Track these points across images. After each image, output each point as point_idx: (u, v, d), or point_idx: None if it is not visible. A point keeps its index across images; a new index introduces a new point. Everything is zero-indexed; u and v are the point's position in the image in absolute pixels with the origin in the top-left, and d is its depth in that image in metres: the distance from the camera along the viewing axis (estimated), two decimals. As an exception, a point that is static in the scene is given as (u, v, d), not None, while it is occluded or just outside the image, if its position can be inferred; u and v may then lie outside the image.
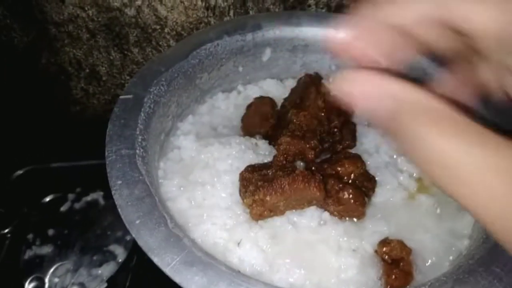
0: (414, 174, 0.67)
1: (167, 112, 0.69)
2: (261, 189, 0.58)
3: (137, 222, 0.48)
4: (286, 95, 0.78)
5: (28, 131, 1.00)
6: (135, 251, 0.82)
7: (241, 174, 0.62)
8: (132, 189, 0.52)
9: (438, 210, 0.63)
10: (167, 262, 0.45)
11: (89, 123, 1.10)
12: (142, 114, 0.62)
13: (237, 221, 0.59)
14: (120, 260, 0.80)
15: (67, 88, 1.04)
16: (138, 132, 0.59)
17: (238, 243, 0.56)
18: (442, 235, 0.60)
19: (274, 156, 0.64)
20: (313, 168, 0.63)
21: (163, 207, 0.52)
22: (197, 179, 0.64)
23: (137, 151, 0.57)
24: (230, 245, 0.56)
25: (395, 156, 0.70)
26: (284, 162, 0.63)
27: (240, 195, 0.62)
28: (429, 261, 0.58)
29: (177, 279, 0.44)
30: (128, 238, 0.84)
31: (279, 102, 0.79)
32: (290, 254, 0.56)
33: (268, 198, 0.58)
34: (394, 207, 0.63)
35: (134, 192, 0.52)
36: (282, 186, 0.57)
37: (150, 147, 0.61)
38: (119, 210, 0.50)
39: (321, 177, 0.59)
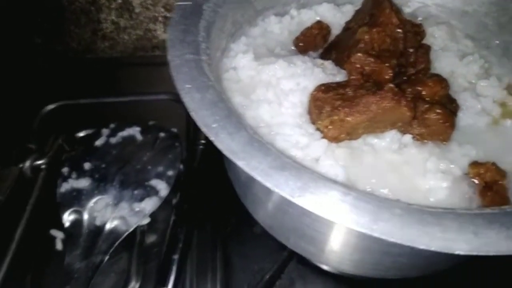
0: (497, 99, 0.61)
1: (223, 27, 0.62)
2: (341, 109, 0.52)
3: (215, 125, 0.42)
4: (343, 22, 0.71)
5: (56, 65, 0.94)
6: (178, 187, 0.77)
7: (313, 94, 0.56)
8: (203, 93, 0.46)
9: (528, 135, 0.57)
10: (254, 166, 0.39)
11: (118, 61, 1.03)
12: (203, 22, 0.55)
13: (311, 139, 0.52)
14: (162, 195, 0.75)
15: (96, 21, 0.96)
16: (201, 39, 0.52)
17: (317, 160, 0.50)
18: (536, 160, 0.54)
19: (349, 75, 0.58)
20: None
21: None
22: (260, 98, 0.57)
23: (203, 57, 0.50)
24: (307, 163, 0.50)
25: (473, 81, 0.63)
26: (362, 81, 0.56)
27: (312, 117, 0.56)
28: (526, 185, 0.52)
29: (269, 183, 0.38)
30: (170, 173, 0.78)
31: (336, 30, 0.72)
32: (373, 175, 0.51)
33: (350, 118, 0.52)
34: (479, 131, 0.58)
35: (206, 96, 0.45)
36: (368, 105, 0.51)
37: (213, 58, 0.54)
38: (192, 113, 0.43)
39: (412, 96, 0.52)
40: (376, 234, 0.36)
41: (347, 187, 0.39)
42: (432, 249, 0.36)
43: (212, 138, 0.41)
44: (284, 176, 0.39)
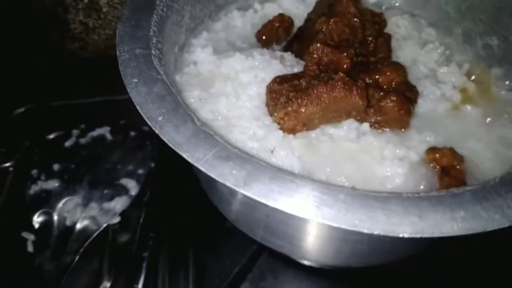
0: (457, 85, 0.61)
1: (180, 22, 0.62)
2: (295, 100, 0.52)
3: (160, 118, 0.42)
4: (306, 14, 0.71)
5: (26, 69, 0.93)
6: (148, 185, 0.76)
7: (269, 86, 0.55)
8: (150, 87, 0.45)
9: (488, 120, 0.57)
10: (199, 157, 0.39)
11: (90, 61, 1.02)
12: (155, 16, 0.55)
13: (267, 131, 0.52)
14: (133, 194, 0.74)
15: (65, 22, 0.95)
16: (151, 34, 0.52)
17: (272, 151, 0.50)
18: (495, 145, 0.54)
19: (305, 66, 0.58)
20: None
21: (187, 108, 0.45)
22: (219, 92, 0.57)
23: (152, 51, 0.50)
24: (262, 154, 0.50)
25: (434, 68, 0.64)
26: (318, 71, 0.56)
27: (269, 109, 0.55)
28: (483, 170, 0.52)
29: (213, 173, 0.38)
30: (140, 171, 0.78)
31: (300, 22, 0.72)
32: (329, 164, 0.51)
33: (303, 109, 0.51)
34: (439, 117, 0.58)
35: (153, 90, 0.45)
36: (320, 95, 0.51)
37: (166, 52, 0.54)
38: (137, 107, 0.43)
39: (363, 83, 0.52)
40: (319, 219, 0.36)
41: (293, 174, 0.39)
42: (376, 233, 0.36)
43: (157, 131, 0.41)
44: (229, 166, 0.39)
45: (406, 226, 0.36)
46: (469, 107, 0.59)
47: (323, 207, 0.37)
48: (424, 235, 0.36)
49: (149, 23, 0.53)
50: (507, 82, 0.63)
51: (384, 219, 0.37)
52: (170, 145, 0.40)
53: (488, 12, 0.65)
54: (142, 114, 0.42)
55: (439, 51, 0.65)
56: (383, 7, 0.76)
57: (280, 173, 0.39)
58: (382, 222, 0.36)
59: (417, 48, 0.66)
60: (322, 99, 0.50)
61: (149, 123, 0.41)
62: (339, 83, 0.50)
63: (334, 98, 0.50)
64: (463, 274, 0.66)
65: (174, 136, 0.41)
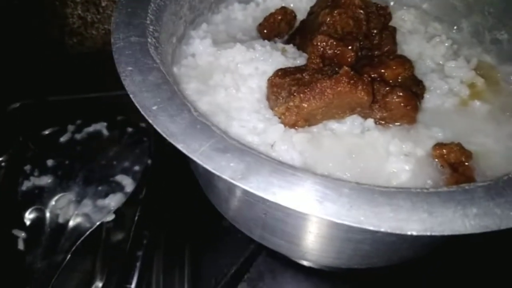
0: (465, 79, 0.58)
1: (179, 12, 0.60)
2: (297, 95, 0.49)
3: (154, 108, 0.40)
4: (309, 7, 0.69)
5: (22, 63, 0.91)
6: (144, 182, 0.74)
7: (270, 80, 0.53)
8: (145, 76, 0.43)
9: (497, 115, 0.55)
10: (194, 148, 0.37)
11: (88, 56, 1.00)
12: (152, 5, 0.53)
13: (268, 124, 0.50)
14: (128, 191, 0.72)
15: (63, 17, 0.93)
16: (148, 22, 0.50)
17: (272, 145, 0.48)
18: (505, 140, 0.52)
19: (308, 59, 0.55)
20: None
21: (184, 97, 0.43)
22: (217, 84, 0.55)
23: (149, 39, 0.48)
24: (262, 148, 0.48)
25: (441, 62, 0.61)
26: (321, 65, 0.54)
27: (270, 103, 0.53)
28: (493, 166, 0.50)
29: (209, 165, 0.35)
30: (136, 168, 0.75)
31: (302, 15, 0.69)
32: (331, 159, 0.48)
33: (305, 104, 0.49)
34: (447, 113, 0.55)
35: (148, 79, 0.43)
36: (323, 89, 0.48)
37: (163, 42, 0.51)
38: (131, 96, 0.41)
39: (369, 78, 0.50)
40: (321, 215, 0.34)
41: (294, 168, 0.37)
42: (382, 230, 0.34)
43: (150, 120, 0.39)
44: (227, 158, 0.37)
45: (414, 223, 0.34)
46: (477, 102, 0.57)
47: (326, 202, 0.35)
48: (434, 233, 0.34)
49: (146, 11, 0.51)
50: (515, 78, 0.61)
51: (391, 215, 0.34)
52: (164, 135, 0.37)
53: (497, 6, 0.63)
54: (136, 103, 0.40)
55: (446, 45, 0.63)
56: (390, 1, 0.74)
57: (281, 166, 0.36)
58: (389, 218, 0.34)
59: (423, 42, 0.63)
60: (325, 94, 0.48)
61: (142, 112, 0.39)
62: (344, 77, 0.48)
63: (338, 93, 0.48)
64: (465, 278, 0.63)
65: (168, 126, 0.38)
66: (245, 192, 0.46)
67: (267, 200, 0.41)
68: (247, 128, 0.50)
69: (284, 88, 0.51)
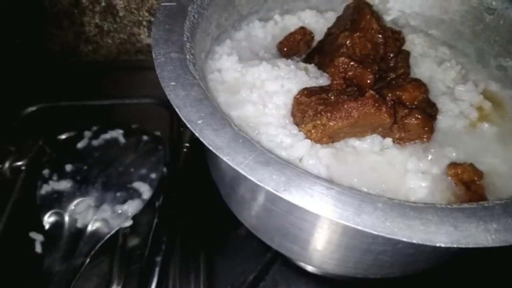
0: (474, 103, 0.63)
1: (208, 29, 0.63)
2: (324, 114, 0.53)
3: (200, 122, 0.43)
4: (326, 28, 0.73)
5: (39, 68, 0.93)
6: (161, 189, 0.76)
7: (297, 98, 0.56)
8: (188, 91, 0.46)
9: (503, 137, 0.59)
10: (239, 161, 0.39)
11: (102, 64, 1.02)
12: (188, 22, 0.56)
13: (295, 140, 0.53)
14: (145, 197, 0.74)
15: (79, 24, 0.96)
16: (185, 39, 0.53)
17: (300, 159, 0.51)
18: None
19: (331, 80, 0.59)
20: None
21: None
22: (245, 99, 0.58)
23: (187, 56, 0.51)
24: (290, 162, 0.50)
25: (451, 86, 0.65)
26: (344, 86, 0.58)
27: (295, 120, 0.56)
28: (501, 185, 0.53)
29: (254, 177, 0.38)
30: (153, 176, 0.78)
31: (319, 36, 0.73)
32: (355, 174, 0.52)
33: (332, 123, 0.52)
34: (458, 133, 0.59)
35: (191, 94, 0.46)
36: (350, 110, 0.52)
37: (198, 57, 0.54)
38: (177, 110, 0.43)
39: (392, 101, 0.54)
40: (359, 227, 0.37)
41: (330, 182, 0.40)
42: (414, 241, 0.37)
43: (197, 133, 0.41)
44: (269, 171, 0.39)
45: (442, 235, 0.37)
46: (486, 125, 0.61)
47: (362, 214, 0.38)
48: (460, 245, 0.37)
49: (182, 28, 0.54)
50: (520, 103, 0.66)
51: (421, 228, 0.37)
52: (211, 148, 0.40)
53: (503, 35, 0.68)
54: (182, 117, 0.43)
55: (455, 69, 0.67)
56: (399, 25, 0.78)
57: (319, 180, 0.39)
58: (420, 231, 0.37)
59: (434, 66, 0.67)
60: (352, 114, 0.52)
61: (189, 126, 0.42)
62: (370, 100, 0.51)
63: (364, 115, 0.52)
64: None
65: (214, 140, 0.41)
66: (275, 202, 0.49)
67: (298, 211, 0.44)
68: (275, 142, 0.53)
69: (311, 107, 0.54)
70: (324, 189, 0.39)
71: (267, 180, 0.39)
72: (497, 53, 0.69)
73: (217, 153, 0.40)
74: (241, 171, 0.39)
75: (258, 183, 0.38)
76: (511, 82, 0.67)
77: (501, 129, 0.60)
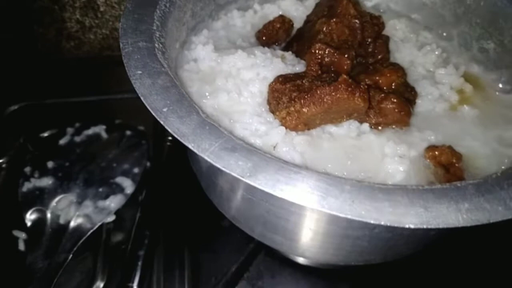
0: (454, 86, 0.62)
1: (182, 19, 0.62)
2: (297, 100, 0.52)
3: (165, 109, 0.42)
4: (306, 16, 0.72)
5: (21, 66, 0.92)
6: (144, 184, 0.76)
7: (271, 85, 0.56)
8: (155, 79, 0.45)
9: (483, 120, 0.58)
10: (205, 148, 0.39)
11: (85, 60, 1.01)
12: (158, 11, 0.55)
13: (270, 127, 0.52)
14: (128, 192, 0.73)
15: (61, 20, 0.95)
16: (155, 28, 0.52)
17: (274, 147, 0.50)
18: (492, 143, 0.55)
19: (307, 66, 0.58)
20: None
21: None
22: (220, 88, 0.57)
23: (156, 45, 0.50)
24: (265, 149, 0.50)
25: (431, 69, 0.65)
26: (319, 72, 0.57)
27: (271, 108, 0.56)
28: (481, 167, 0.53)
29: (219, 163, 0.37)
30: (136, 170, 0.77)
31: (298, 24, 0.72)
32: (330, 160, 0.51)
33: (305, 110, 0.52)
34: (437, 117, 0.58)
35: (158, 82, 0.45)
36: (322, 96, 0.51)
37: (168, 47, 0.54)
38: (142, 98, 0.43)
39: (365, 85, 0.53)
40: (326, 210, 0.36)
41: (298, 166, 0.39)
42: (382, 223, 0.36)
43: (161, 121, 0.41)
44: (235, 157, 0.39)
45: (412, 216, 0.37)
46: (466, 108, 0.60)
47: (329, 197, 0.37)
48: (430, 226, 0.36)
49: (152, 18, 0.53)
50: (500, 85, 0.65)
51: (390, 210, 0.37)
52: (176, 135, 0.39)
53: (484, 16, 0.67)
54: (147, 105, 0.42)
55: (436, 53, 0.66)
56: (381, 11, 0.77)
57: (286, 165, 0.39)
58: (388, 213, 0.37)
59: (414, 50, 0.67)
60: (325, 100, 0.51)
61: (153, 113, 0.41)
62: (342, 85, 0.51)
63: (337, 100, 0.51)
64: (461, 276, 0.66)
65: (179, 127, 0.40)
66: (250, 191, 0.48)
67: (271, 198, 0.44)
68: (250, 130, 0.52)
69: (285, 94, 0.53)
70: (291, 174, 0.38)
71: (232, 166, 0.38)
72: (479, 35, 0.68)
73: (182, 141, 0.39)
74: (206, 157, 0.38)
75: (223, 169, 0.38)
76: (493, 64, 0.66)
77: (482, 111, 0.60)
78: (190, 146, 0.39)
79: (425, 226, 0.36)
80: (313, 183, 0.38)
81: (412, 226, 0.36)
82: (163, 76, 0.46)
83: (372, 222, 0.36)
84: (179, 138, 0.39)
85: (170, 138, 0.82)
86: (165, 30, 0.54)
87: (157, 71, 0.46)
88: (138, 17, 0.52)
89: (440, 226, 0.37)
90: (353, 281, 0.67)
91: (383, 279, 0.65)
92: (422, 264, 0.65)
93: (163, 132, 0.84)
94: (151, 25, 0.52)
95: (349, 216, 0.36)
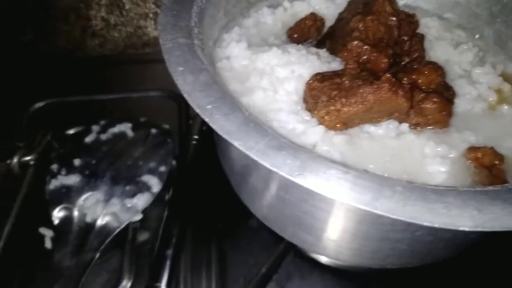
0: (492, 85, 0.60)
1: (216, 16, 0.61)
2: (338, 99, 0.51)
3: (209, 107, 0.41)
4: (337, 13, 0.71)
5: (46, 63, 0.92)
6: (170, 182, 0.75)
7: (309, 83, 0.55)
8: (197, 76, 0.44)
9: (524, 120, 0.57)
10: (251, 146, 0.38)
11: (109, 58, 1.01)
12: (195, 7, 0.54)
13: (307, 126, 0.51)
14: (155, 191, 0.73)
15: (86, 18, 0.95)
16: (193, 24, 0.51)
17: (314, 146, 0.49)
18: (534, 144, 0.54)
19: (345, 64, 0.57)
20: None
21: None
22: (255, 86, 0.56)
23: (195, 41, 0.49)
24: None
25: (468, 69, 0.63)
26: (358, 70, 0.56)
27: (308, 106, 0.55)
28: (524, 169, 0.51)
29: (267, 162, 0.37)
30: (162, 169, 0.76)
31: (329, 22, 0.71)
32: (371, 161, 0.50)
33: (346, 109, 0.51)
34: (477, 117, 0.57)
35: (200, 79, 0.44)
36: (365, 95, 0.50)
37: (206, 42, 0.53)
38: (185, 95, 0.42)
39: (408, 85, 0.52)
40: (378, 211, 0.35)
41: (346, 166, 0.38)
42: (436, 225, 0.35)
43: (207, 119, 0.40)
44: (282, 156, 0.38)
45: (466, 219, 0.35)
46: (505, 106, 0.58)
47: (381, 198, 0.36)
48: (485, 229, 0.35)
49: (190, 14, 0.52)
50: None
51: (443, 211, 0.36)
52: (221, 133, 0.39)
53: (521, 15, 0.65)
54: (190, 102, 0.41)
55: (472, 52, 0.64)
56: (412, 9, 0.76)
57: (335, 164, 0.38)
58: (442, 214, 0.35)
59: (450, 49, 0.65)
60: (367, 99, 0.50)
61: (198, 111, 0.41)
62: (386, 84, 0.50)
63: (380, 99, 0.50)
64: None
65: (224, 125, 0.40)
66: (288, 191, 0.47)
67: (313, 199, 0.43)
68: (287, 129, 0.51)
69: (324, 92, 0.52)
70: (340, 173, 0.37)
71: (280, 165, 0.37)
72: (515, 34, 0.67)
73: (228, 138, 0.38)
74: (253, 156, 0.37)
75: (271, 168, 0.37)
76: (530, 63, 0.64)
77: (522, 110, 0.58)
78: (236, 144, 0.38)
79: (479, 229, 0.35)
80: (363, 183, 0.37)
81: (466, 229, 0.35)
82: (204, 73, 0.45)
83: (426, 224, 0.35)
84: (225, 136, 0.38)
85: (196, 136, 0.81)
86: (202, 26, 0.54)
87: (198, 68, 0.45)
88: (176, 13, 0.52)
89: (495, 229, 0.35)
90: (384, 284, 0.66)
91: (415, 282, 0.64)
92: (453, 267, 0.63)
93: (189, 130, 0.83)
94: (189, 21, 0.52)
95: (402, 218, 0.35)
